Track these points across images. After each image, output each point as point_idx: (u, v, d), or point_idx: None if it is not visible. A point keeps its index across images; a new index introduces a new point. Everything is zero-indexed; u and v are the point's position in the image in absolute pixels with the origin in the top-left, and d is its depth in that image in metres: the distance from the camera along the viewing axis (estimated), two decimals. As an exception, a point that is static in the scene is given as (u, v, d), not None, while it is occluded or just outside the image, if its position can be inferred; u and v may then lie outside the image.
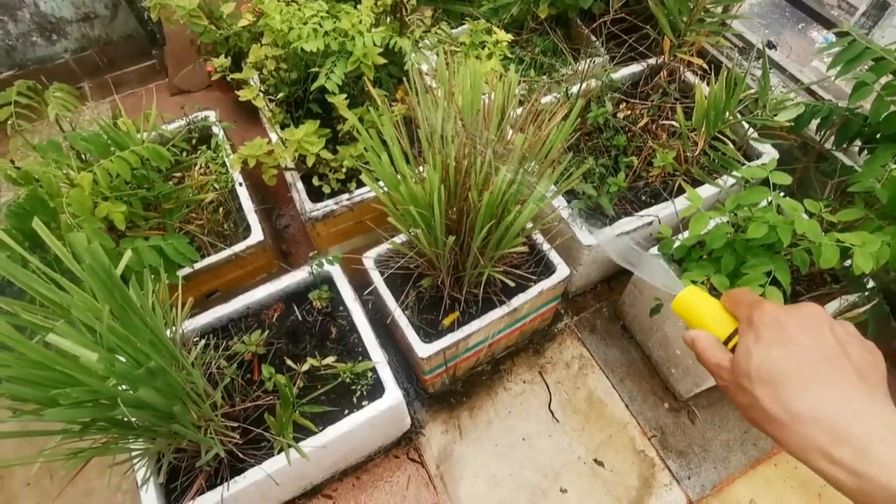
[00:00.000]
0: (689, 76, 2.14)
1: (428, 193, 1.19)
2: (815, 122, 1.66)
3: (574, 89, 2.03)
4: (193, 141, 1.96)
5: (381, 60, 1.65)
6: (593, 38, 2.29)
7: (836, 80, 1.61)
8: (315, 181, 1.72)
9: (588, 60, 2.16)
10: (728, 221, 1.41)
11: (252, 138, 1.72)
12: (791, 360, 0.47)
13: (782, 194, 1.60)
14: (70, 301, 0.92)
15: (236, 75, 1.73)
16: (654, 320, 1.82)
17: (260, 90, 1.79)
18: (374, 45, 1.53)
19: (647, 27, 2.04)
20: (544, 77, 2.18)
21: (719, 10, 2.06)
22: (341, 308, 1.70)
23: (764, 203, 1.31)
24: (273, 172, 1.65)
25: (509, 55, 1.74)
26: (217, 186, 1.76)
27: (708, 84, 1.75)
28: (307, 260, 1.65)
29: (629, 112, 2.05)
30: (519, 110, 1.97)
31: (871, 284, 1.58)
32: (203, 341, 1.52)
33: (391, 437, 1.82)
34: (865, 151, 1.60)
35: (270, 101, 1.86)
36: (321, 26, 1.55)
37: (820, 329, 0.48)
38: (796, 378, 0.46)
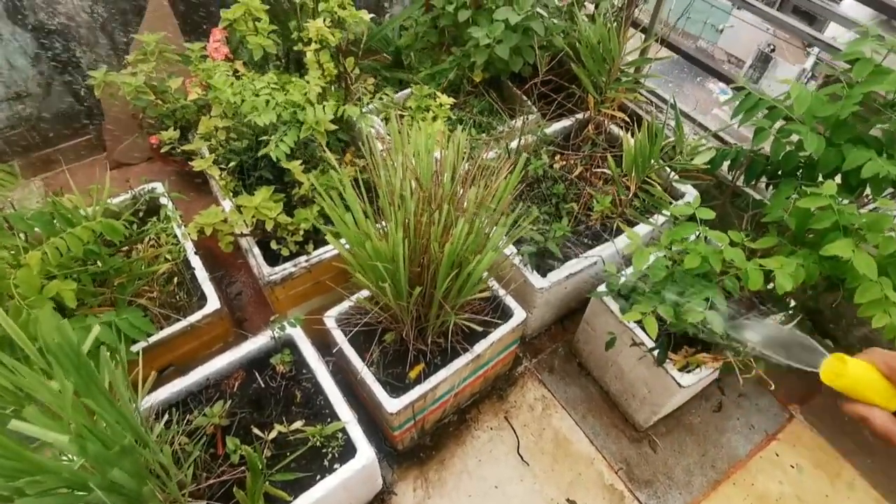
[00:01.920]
0: (614, 128, 2.36)
1: (391, 248, 1.24)
2: (726, 164, 1.86)
3: (513, 144, 2.18)
4: (140, 213, 1.94)
5: (333, 127, 1.72)
6: (525, 97, 2.49)
7: (739, 127, 1.84)
8: (273, 245, 1.73)
9: (523, 118, 2.34)
10: (665, 255, 1.54)
11: (199, 208, 1.72)
12: None
13: (706, 229, 1.78)
14: (32, 384, 0.89)
15: (186, 147, 1.75)
16: (608, 355, 1.92)
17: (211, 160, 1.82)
18: (326, 114, 1.61)
19: (573, 87, 2.25)
20: (484, 135, 2.33)
21: (632, 70, 2.31)
22: (305, 371, 1.68)
23: (693, 237, 1.46)
24: (229, 239, 1.65)
25: (452, 117, 1.86)
26: (169, 257, 1.74)
27: (631, 135, 1.95)
28: (266, 324, 1.64)
29: (564, 163, 2.23)
30: (465, 166, 2.10)
31: (792, 304, 1.76)
32: (164, 418, 1.45)
33: (363, 499, 1.77)
34: (771, 186, 1.81)
35: (222, 169, 1.88)
36: (273, 98, 1.61)
37: None
38: None
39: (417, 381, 1.66)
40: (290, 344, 1.72)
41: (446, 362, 1.68)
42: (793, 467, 1.96)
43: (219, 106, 1.80)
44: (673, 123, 2.13)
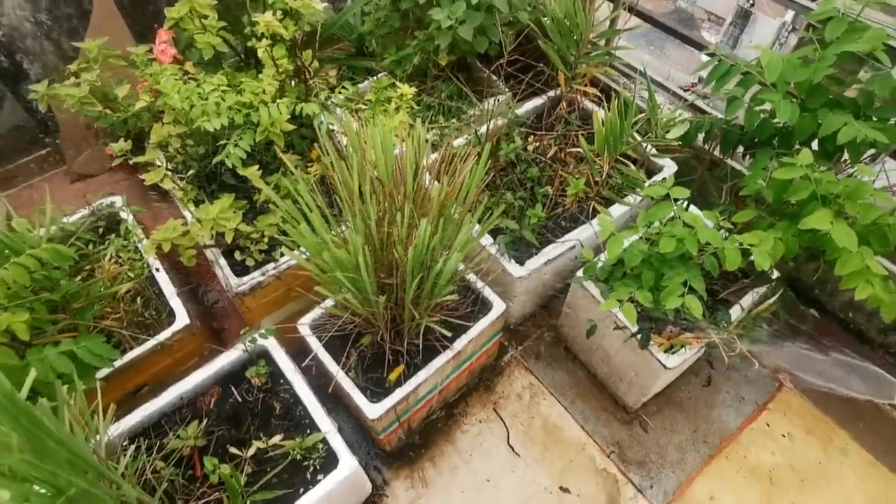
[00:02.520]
0: (588, 104, 2.29)
1: (353, 255, 1.19)
2: (702, 136, 1.80)
3: (483, 129, 2.11)
4: (100, 230, 1.86)
5: (290, 127, 1.65)
6: (494, 78, 2.41)
7: (713, 95, 1.78)
8: (237, 255, 1.67)
9: (492, 100, 2.26)
10: (642, 238, 1.49)
11: (167, 218, 1.66)
12: None
13: (685, 204, 1.73)
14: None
15: (139, 158, 1.67)
16: (593, 339, 1.88)
17: (168, 169, 1.74)
18: (281, 113, 1.53)
19: (540, 65, 2.17)
20: (454, 121, 2.26)
21: (603, 43, 2.23)
22: (282, 381, 1.64)
23: (673, 216, 1.41)
24: (191, 253, 1.59)
25: (415, 107, 1.79)
26: (132, 275, 1.67)
27: (605, 111, 1.88)
28: (239, 336, 1.59)
29: (538, 144, 2.16)
30: (434, 156, 2.03)
31: (776, 275, 1.72)
32: (133, 445, 1.41)
33: (353, 505, 1.74)
34: (748, 156, 1.75)
35: (181, 178, 1.81)
36: (223, 101, 1.53)
37: None
38: None
39: (398, 383, 1.62)
40: (264, 355, 1.67)
41: (426, 362, 1.64)
42: (784, 436, 1.95)
43: (171, 112, 1.72)
44: (648, 96, 2.07)
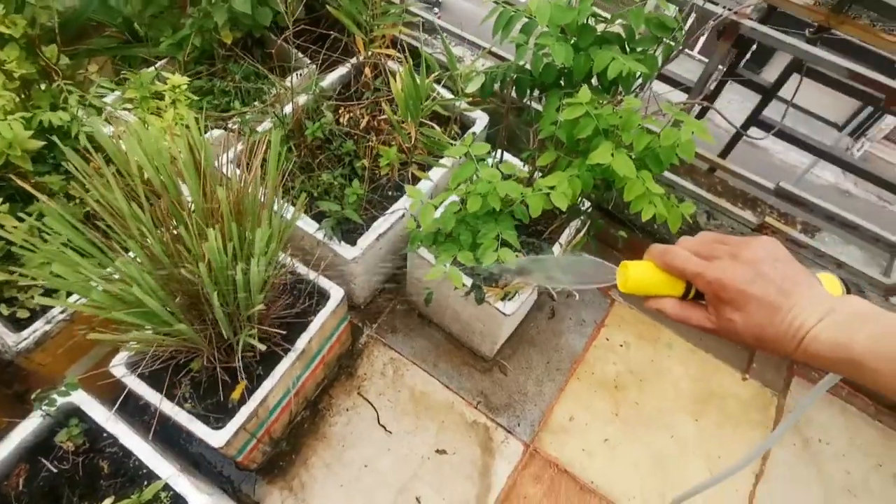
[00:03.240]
0: (393, 66, 2.22)
1: (130, 288, 1.03)
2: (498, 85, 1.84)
3: (287, 109, 1.96)
4: None
5: (37, 144, 1.38)
6: (294, 51, 2.24)
7: (501, 44, 1.81)
8: (3, 310, 1.39)
9: (294, 74, 2.11)
10: (459, 199, 1.50)
11: None
12: (760, 311, 0.56)
13: (499, 154, 1.76)
14: None
15: None
16: (440, 301, 1.90)
17: None
18: (14, 131, 1.27)
19: (335, 32, 2.05)
20: (255, 103, 2.07)
21: (397, 0, 2.16)
22: (105, 435, 1.43)
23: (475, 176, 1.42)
24: (-63, 320, 1.28)
25: (193, 97, 1.59)
26: None
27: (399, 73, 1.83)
28: (31, 402, 1.35)
29: (349, 116, 2.07)
30: (240, 147, 1.85)
31: (587, 205, 1.85)
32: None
33: (226, 537, 1.62)
34: (543, 99, 1.83)
35: None
36: (-73, 128, 1.22)
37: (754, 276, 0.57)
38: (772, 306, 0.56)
39: (242, 401, 1.50)
40: (75, 412, 1.44)
41: (269, 370, 1.53)
42: (622, 346, 2.17)
43: None
44: (445, 51, 2.05)
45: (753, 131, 2.20)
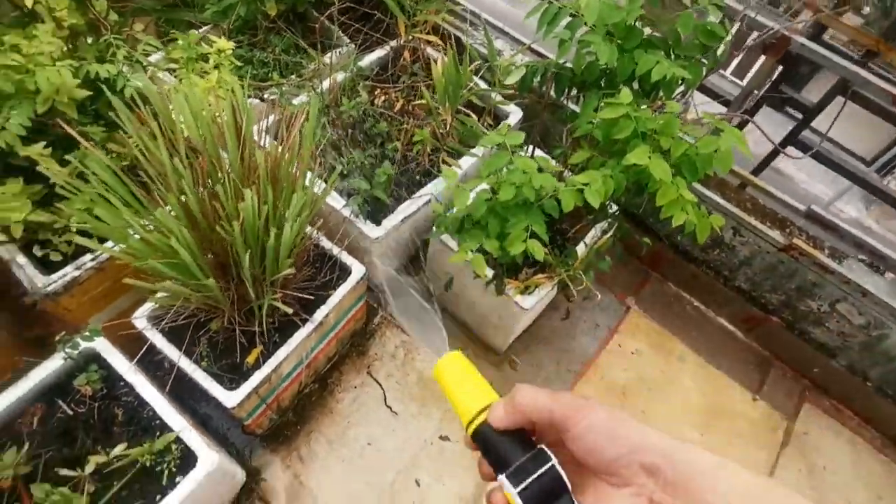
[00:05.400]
0: (433, 53, 2.23)
1: (167, 239, 1.05)
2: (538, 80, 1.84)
3: (325, 85, 1.98)
4: None
5: (83, 93, 1.40)
6: (334, 28, 2.25)
7: (544, 39, 1.81)
8: (37, 251, 1.43)
9: (333, 52, 2.12)
10: (489, 187, 1.50)
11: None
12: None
13: (531, 149, 1.76)
14: None
15: None
16: (457, 290, 1.91)
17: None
18: (63, 77, 1.29)
19: (378, 13, 2.06)
20: (293, 77, 2.09)
21: (442, -13, 2.16)
22: (121, 384, 1.47)
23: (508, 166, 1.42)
24: (-29, 254, 1.32)
25: (238, 63, 1.61)
26: None
27: (442, 59, 1.84)
28: (55, 344, 1.38)
29: (385, 97, 2.08)
30: (273, 118, 1.87)
31: (614, 209, 1.84)
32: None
33: (228, 497, 1.65)
34: (581, 98, 1.82)
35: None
36: (-18, 66, 1.25)
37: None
38: None
39: (257, 365, 1.52)
40: (96, 359, 1.47)
41: (286, 338, 1.55)
42: (633, 353, 2.16)
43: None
44: (487, 42, 2.05)
45: (789, 151, 2.18)
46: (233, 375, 1.50)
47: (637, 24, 1.52)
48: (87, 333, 1.39)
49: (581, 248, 1.76)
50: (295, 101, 1.94)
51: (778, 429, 2.07)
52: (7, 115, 1.24)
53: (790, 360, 2.21)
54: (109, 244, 1.22)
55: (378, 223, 1.80)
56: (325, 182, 1.46)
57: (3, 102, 1.29)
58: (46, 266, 1.48)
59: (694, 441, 1.97)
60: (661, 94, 1.63)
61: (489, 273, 1.65)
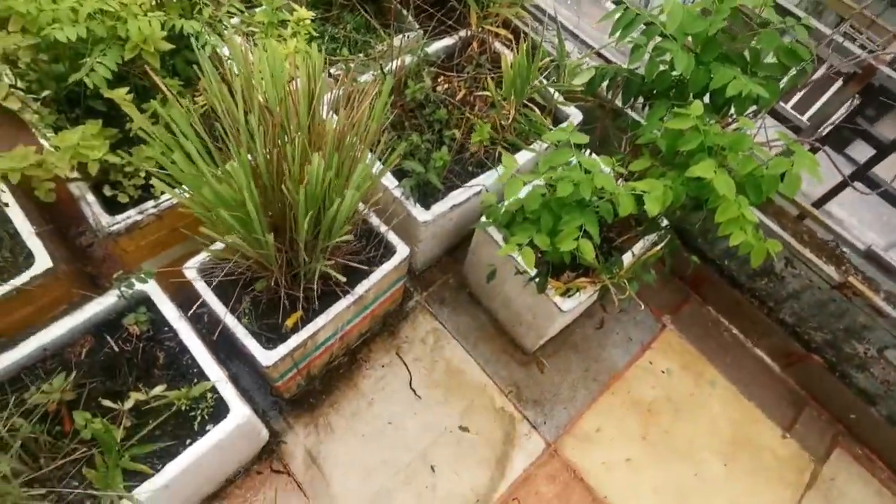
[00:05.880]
0: (499, 46, 2.23)
1: (237, 191, 1.08)
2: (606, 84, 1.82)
3: (390, 66, 2.00)
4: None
5: (167, 46, 1.45)
6: (405, 12, 2.27)
7: (618, 44, 1.79)
8: (107, 191, 1.49)
9: (402, 35, 2.14)
10: (544, 183, 1.50)
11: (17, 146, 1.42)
12: None
13: (588, 153, 1.75)
14: None
15: (-24, 72, 1.41)
16: (495, 284, 1.91)
17: (16, 88, 1.49)
18: (153, 28, 1.34)
19: (452, 1, 2.07)
20: (360, 55, 2.12)
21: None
22: (166, 329, 1.52)
23: (573, 162, 1.42)
24: (49, 186, 1.39)
25: (314, 33, 1.64)
26: (-26, 211, 1.44)
27: (514, 53, 1.84)
28: (112, 282, 1.43)
29: (447, 85, 2.09)
30: (338, 91, 1.90)
31: (665, 223, 1.82)
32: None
33: (249, 454, 1.69)
34: (648, 106, 1.80)
35: (35, 99, 1.56)
36: (81, 7, 1.31)
37: None
38: None
39: (295, 329, 1.56)
40: (145, 301, 1.53)
41: (326, 307, 1.58)
42: (664, 372, 2.13)
43: (19, 18, 1.45)
44: (557, 41, 2.05)
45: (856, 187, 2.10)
46: (271, 335, 1.54)
47: (717, 36, 1.49)
48: (142, 275, 1.44)
49: (628, 258, 1.74)
50: (360, 79, 1.96)
51: (805, 470, 2.00)
52: (98, 58, 1.29)
53: (827, 402, 2.14)
54: (178, 192, 1.26)
55: (427, 207, 1.81)
56: (381, 161, 1.48)
57: (94, 46, 1.35)
58: (111, 208, 1.54)
59: (716, 468, 1.92)
60: (731, 110, 1.60)
61: (531, 271, 1.65)
